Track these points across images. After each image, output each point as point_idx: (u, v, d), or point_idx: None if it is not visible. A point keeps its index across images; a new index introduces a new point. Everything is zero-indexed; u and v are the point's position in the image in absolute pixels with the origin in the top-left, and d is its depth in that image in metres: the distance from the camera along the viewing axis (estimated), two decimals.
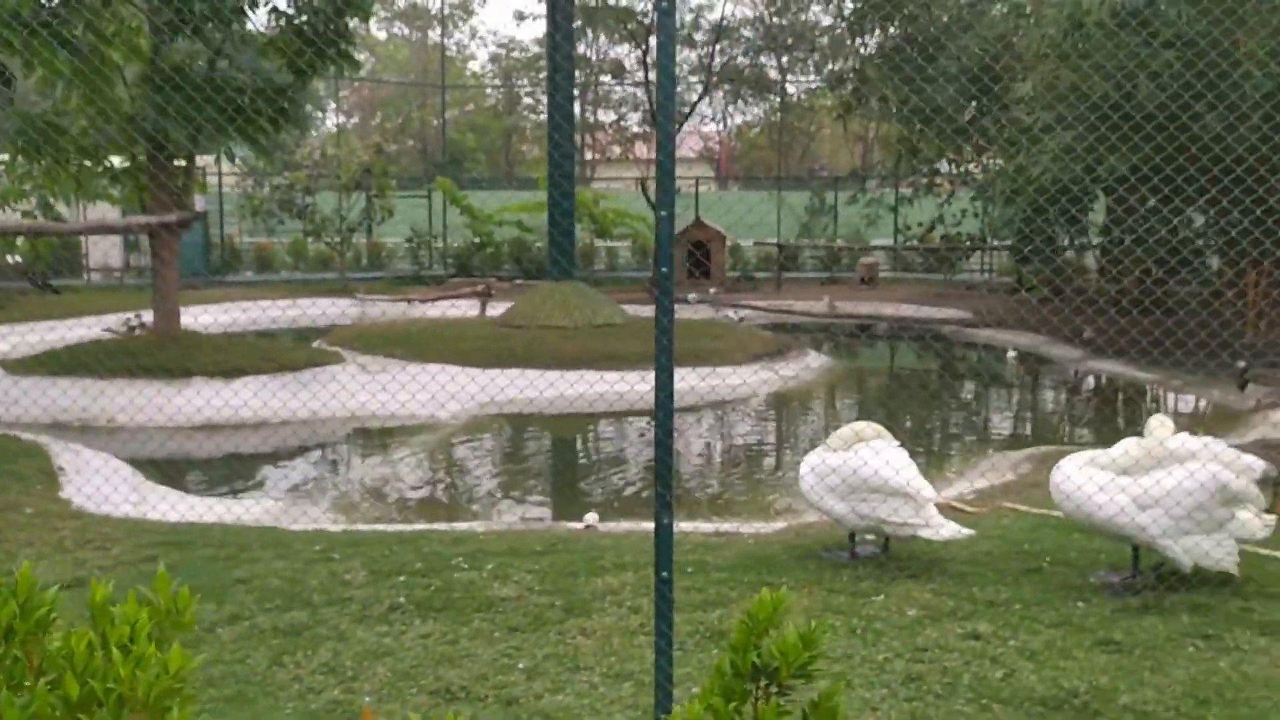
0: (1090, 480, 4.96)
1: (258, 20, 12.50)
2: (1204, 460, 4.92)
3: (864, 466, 5.35)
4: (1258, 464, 5.07)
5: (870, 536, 5.82)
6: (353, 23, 12.33)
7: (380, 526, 6.95)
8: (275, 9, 12.46)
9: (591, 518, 7.34)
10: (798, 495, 6.07)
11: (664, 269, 2.94)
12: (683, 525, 7.09)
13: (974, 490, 7.85)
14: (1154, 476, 4.88)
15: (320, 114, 44.38)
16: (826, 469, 5.49)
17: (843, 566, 5.51)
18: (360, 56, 43.02)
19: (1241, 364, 12.04)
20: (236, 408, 10.58)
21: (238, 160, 14.97)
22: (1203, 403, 13.26)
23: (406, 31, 46.17)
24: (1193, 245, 16.78)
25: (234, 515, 7.16)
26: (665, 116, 2.86)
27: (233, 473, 9.84)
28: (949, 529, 5.36)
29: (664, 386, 2.98)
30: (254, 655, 4.43)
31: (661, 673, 3.12)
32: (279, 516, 7.48)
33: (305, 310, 20.66)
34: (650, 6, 25.65)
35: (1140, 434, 5.26)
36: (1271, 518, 5.23)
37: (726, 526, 7.04)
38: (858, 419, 5.97)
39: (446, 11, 38.10)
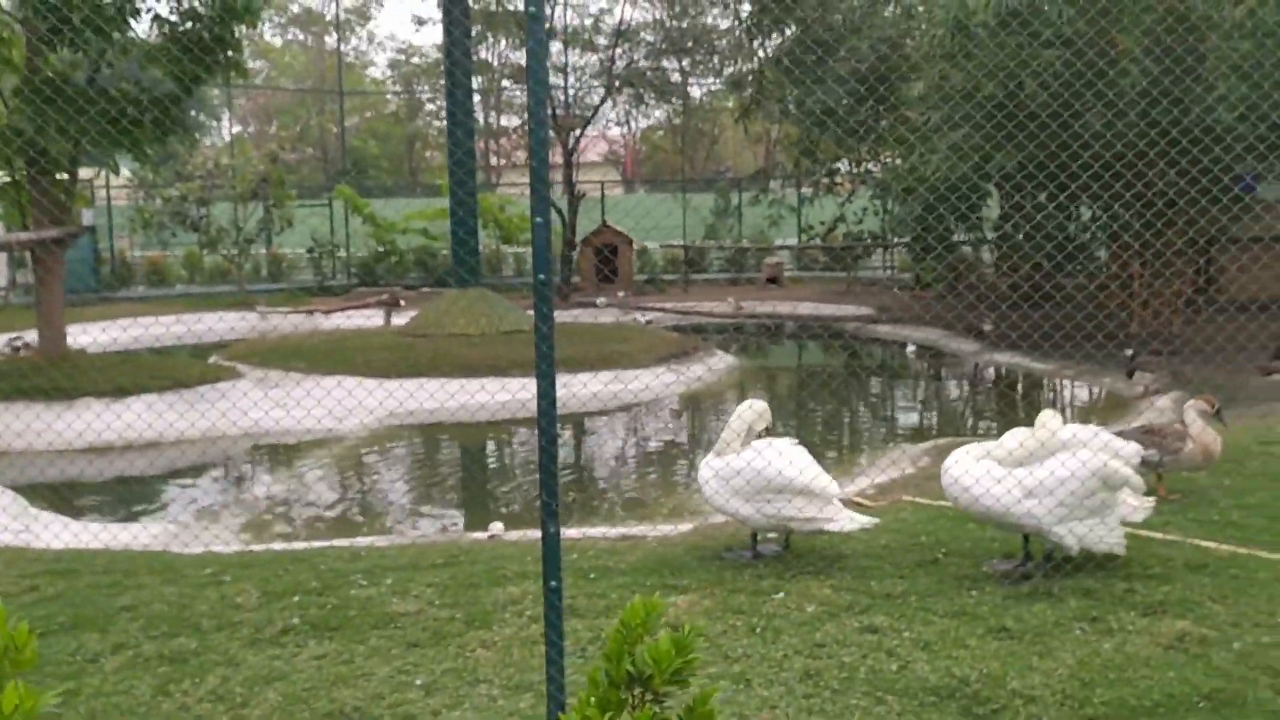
0: (978, 470, 5.07)
1: (140, 29, 12.13)
2: (1086, 448, 5.06)
3: (768, 467, 5.37)
4: (1136, 450, 5.24)
5: (772, 535, 5.87)
6: (240, 29, 12.00)
7: (276, 546, 6.77)
8: (158, 17, 12.10)
9: (496, 527, 7.27)
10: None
11: (540, 275, 2.91)
12: (589, 530, 7.07)
13: (876, 484, 7.97)
14: (1039, 465, 5.00)
15: (214, 123, 43.31)
16: (730, 471, 5.50)
17: (745, 566, 5.53)
18: (254, 64, 41.91)
19: (1129, 352, 12.47)
20: (127, 428, 10.23)
21: (126, 172, 14.51)
22: (1095, 391, 13.70)
23: (303, 37, 45.28)
24: (1081, 238, 17.35)
25: (122, 541, 6.92)
26: (537, 122, 2.84)
27: (123, 496, 9.51)
28: (855, 520, 5.43)
29: (545, 394, 2.95)
30: (139, 685, 4.27)
31: (553, 683, 3.09)
32: (169, 540, 7.25)
33: (202, 325, 20.10)
34: (551, 10, 25.61)
35: (1031, 424, 5.38)
36: (1151, 500, 5.41)
37: (632, 530, 7.03)
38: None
39: (343, 17, 37.51)
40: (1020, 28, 13.17)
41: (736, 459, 5.52)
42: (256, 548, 6.85)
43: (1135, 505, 5.29)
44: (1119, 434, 6.28)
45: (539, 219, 2.87)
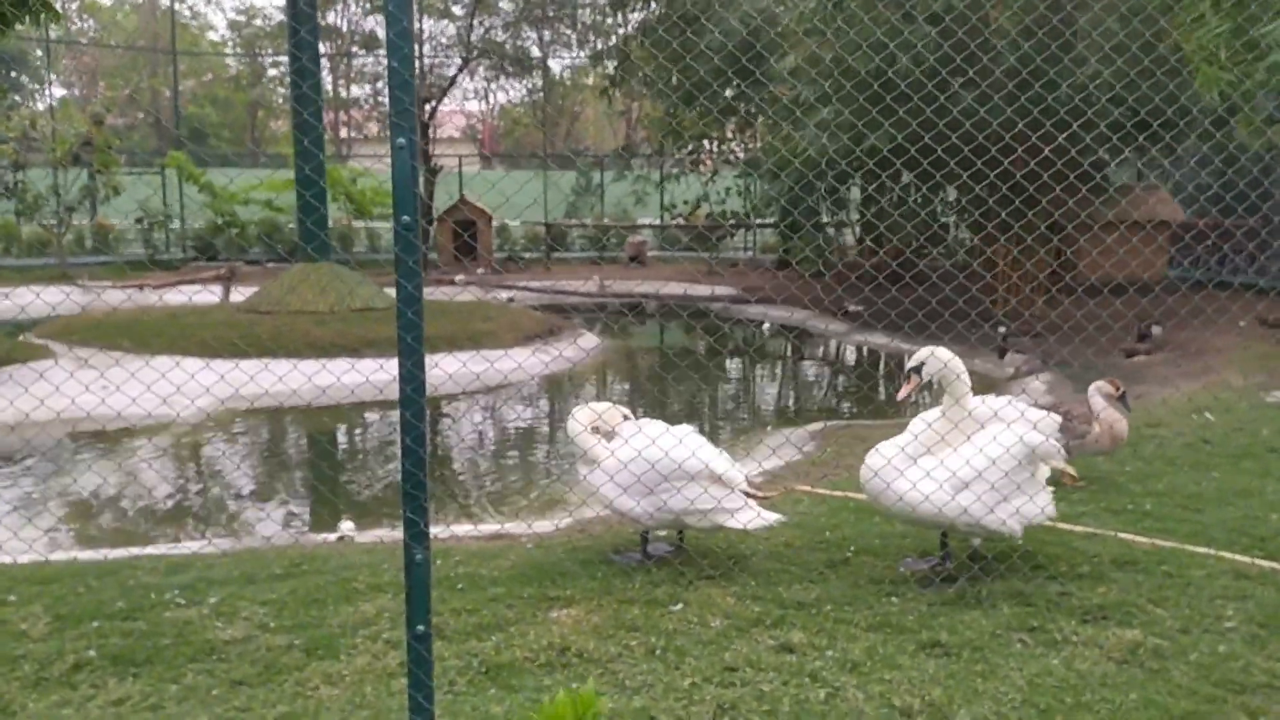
0: (907, 472, 4.48)
1: None
2: (1010, 421, 4.60)
3: (666, 455, 4.71)
4: (1054, 421, 4.79)
5: (663, 533, 5.23)
6: None
7: (81, 555, 5.75)
8: None
9: (347, 527, 6.42)
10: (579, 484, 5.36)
11: (405, 217, 2.15)
12: (456, 529, 6.31)
13: (762, 471, 7.43)
14: (965, 452, 4.47)
15: (37, 86, 40.02)
16: (616, 465, 4.83)
17: (635, 570, 4.87)
18: (80, 23, 38.81)
19: (1001, 330, 12.34)
20: None
21: None
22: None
23: None
24: (945, 220, 17.34)
25: None
26: (396, 5, 2.08)
27: None
28: (761, 517, 4.81)
29: (411, 377, 2.20)
30: None
31: None
32: None
33: (15, 301, 18.17)
34: None
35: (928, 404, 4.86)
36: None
37: (505, 528, 6.29)
38: (630, 399, 5.36)
39: None
40: (892, 3, 12.87)
41: (624, 450, 4.84)
42: (58, 557, 5.80)
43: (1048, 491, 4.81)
44: None
45: (401, 140, 2.12)
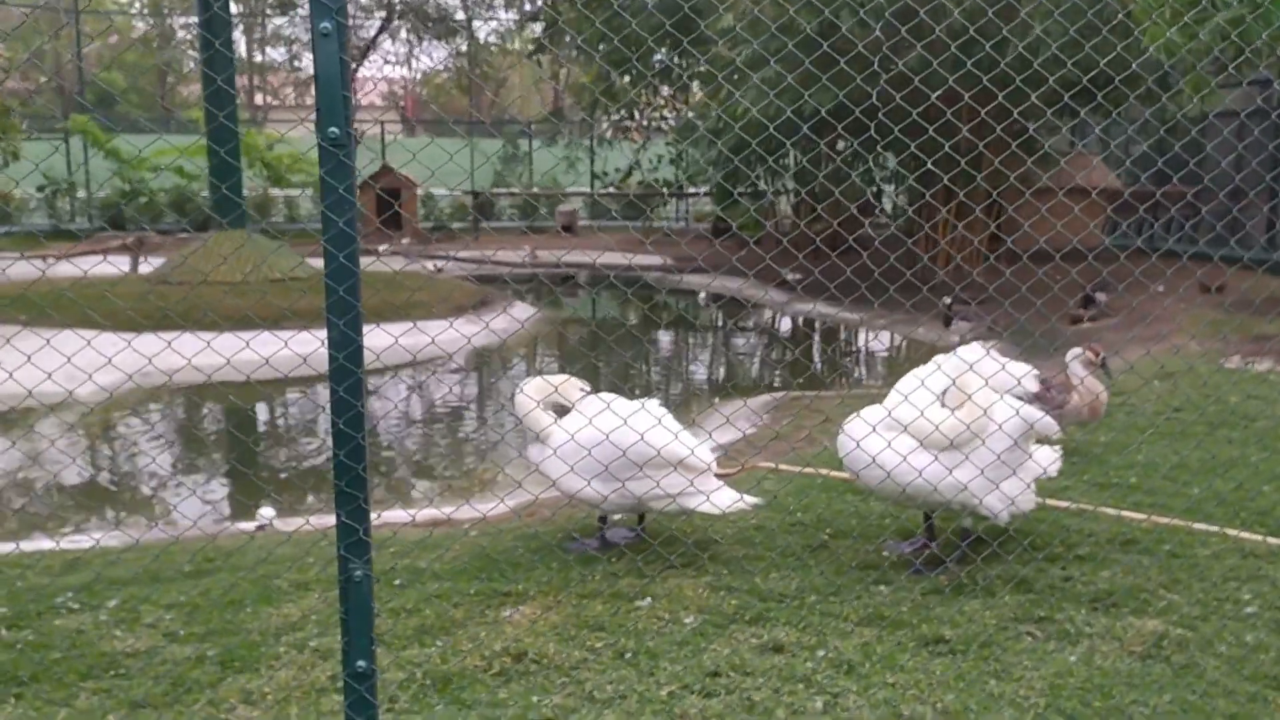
0: (895, 446, 4.06)
1: None
2: (990, 373, 4.23)
3: (636, 438, 4.21)
4: (1031, 368, 4.46)
5: (619, 516, 4.77)
6: None
7: None
8: None
9: (267, 514, 5.83)
10: (521, 463, 4.84)
11: (333, 129, 1.63)
12: (390, 515, 5.77)
13: (716, 447, 6.99)
14: (962, 422, 4.06)
15: None
16: (574, 449, 4.32)
17: (593, 560, 4.40)
18: None
19: (947, 300, 12.07)
20: None
21: None
22: (910, 340, 13.33)
23: None
24: (885, 186, 17.04)
25: None
26: None
27: None
28: (737, 500, 4.36)
29: (346, 341, 1.67)
30: None
31: None
32: None
33: None
34: None
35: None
36: (1059, 451, 4.60)
37: (446, 512, 5.77)
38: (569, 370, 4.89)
39: None
40: None
41: (588, 430, 4.34)
42: None
43: (1052, 458, 4.44)
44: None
45: (325, 24, 1.59)
